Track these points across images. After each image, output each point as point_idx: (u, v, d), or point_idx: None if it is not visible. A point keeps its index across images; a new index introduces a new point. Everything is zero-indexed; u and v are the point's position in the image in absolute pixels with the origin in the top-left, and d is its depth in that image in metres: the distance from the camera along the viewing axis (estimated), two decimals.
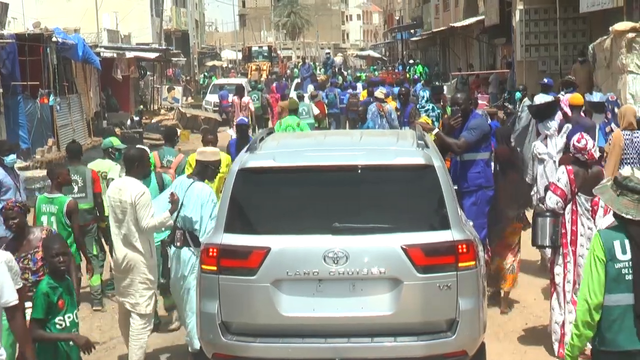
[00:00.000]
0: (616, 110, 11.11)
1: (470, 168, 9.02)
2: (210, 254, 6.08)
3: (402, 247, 5.84)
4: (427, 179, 6.08)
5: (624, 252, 4.78)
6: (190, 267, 7.46)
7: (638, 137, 9.76)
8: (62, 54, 21.42)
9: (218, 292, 6.03)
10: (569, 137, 8.74)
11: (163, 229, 7.71)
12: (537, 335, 8.06)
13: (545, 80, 14.96)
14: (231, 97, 34.89)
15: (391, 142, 6.92)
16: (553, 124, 10.56)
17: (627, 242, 4.78)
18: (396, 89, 24.60)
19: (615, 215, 4.93)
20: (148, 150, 8.89)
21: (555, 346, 7.56)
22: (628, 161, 9.68)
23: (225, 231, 6.08)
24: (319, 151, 6.56)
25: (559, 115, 10.95)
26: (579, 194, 7.39)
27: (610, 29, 13.44)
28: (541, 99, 11.18)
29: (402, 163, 6.14)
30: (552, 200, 7.44)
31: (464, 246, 5.93)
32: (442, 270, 5.89)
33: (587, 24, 20.98)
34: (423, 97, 18.71)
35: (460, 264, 5.90)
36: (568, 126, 10.43)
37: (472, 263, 5.97)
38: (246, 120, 12.49)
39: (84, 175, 9.70)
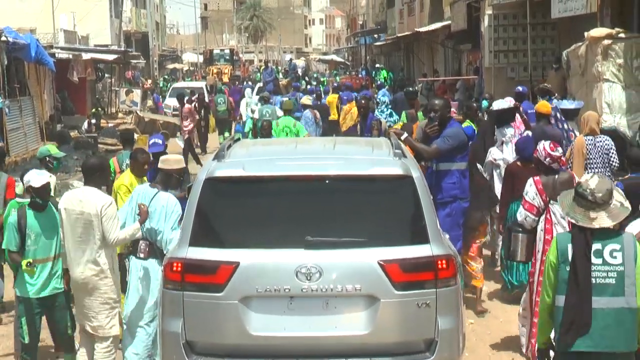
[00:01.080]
0: (559, 115, 11.45)
1: (445, 178, 8.80)
2: (174, 268, 5.79)
3: (378, 263, 5.62)
4: (405, 191, 5.87)
5: None
6: (157, 281, 7.06)
7: (601, 141, 10.00)
8: (12, 54, 20.69)
9: (182, 309, 5.75)
10: (521, 146, 9.00)
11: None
12: None
13: (520, 88, 14.84)
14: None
15: (366, 152, 6.68)
16: (509, 131, 10.76)
17: (571, 245, 5.01)
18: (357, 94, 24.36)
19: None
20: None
21: (524, 344, 7.47)
22: (592, 166, 9.90)
23: (191, 244, 5.80)
24: (291, 160, 6.30)
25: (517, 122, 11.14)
26: (552, 202, 7.28)
27: (586, 35, 13.21)
28: (500, 104, 11.30)
29: (379, 173, 5.91)
30: (521, 215, 7.39)
31: (444, 262, 5.73)
32: (421, 287, 5.69)
33: (556, 30, 20.94)
34: (384, 102, 18.82)
35: (439, 281, 5.70)
36: (528, 133, 10.64)
37: (452, 279, 5.78)
38: (161, 145, 10.06)
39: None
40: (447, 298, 5.72)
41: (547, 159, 7.50)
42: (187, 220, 5.92)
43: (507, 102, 11.27)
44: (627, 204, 5.06)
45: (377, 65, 45.06)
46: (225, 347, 5.72)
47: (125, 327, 7.37)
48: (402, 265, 5.63)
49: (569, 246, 5.01)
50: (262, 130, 14.06)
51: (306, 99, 18.13)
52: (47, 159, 9.49)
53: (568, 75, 14.72)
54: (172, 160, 7.66)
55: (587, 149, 9.93)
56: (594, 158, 9.95)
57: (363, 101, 14.49)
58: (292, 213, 5.86)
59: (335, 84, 30.50)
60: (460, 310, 5.93)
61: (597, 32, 13.27)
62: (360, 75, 43.29)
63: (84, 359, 7.31)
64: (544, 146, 7.59)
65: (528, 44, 19.97)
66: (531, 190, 7.37)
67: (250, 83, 38.15)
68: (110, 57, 33.58)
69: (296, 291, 5.61)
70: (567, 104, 11.06)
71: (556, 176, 7.47)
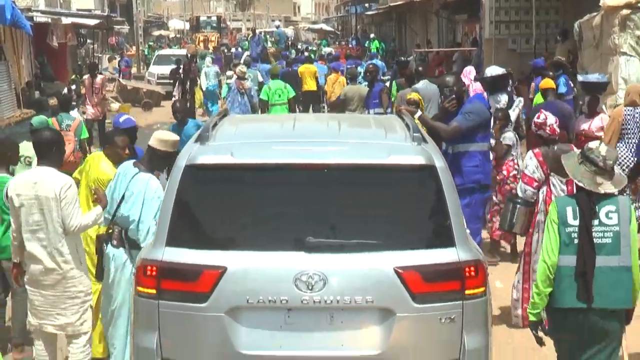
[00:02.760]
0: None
1: (464, 161, 7.89)
2: (148, 273, 4.88)
3: (394, 270, 4.74)
4: (427, 183, 4.96)
5: (574, 217, 5.19)
6: (124, 274, 6.35)
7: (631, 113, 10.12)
8: None
9: (157, 321, 4.87)
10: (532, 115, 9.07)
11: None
12: None
13: (537, 60, 14.08)
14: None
15: (379, 135, 5.69)
16: (503, 97, 10.85)
17: (579, 208, 5.21)
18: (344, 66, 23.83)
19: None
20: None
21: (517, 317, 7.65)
22: (629, 136, 9.93)
23: (168, 244, 4.89)
24: (290, 144, 5.30)
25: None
26: (552, 174, 7.39)
27: (601, 4, 12.43)
28: (493, 71, 11.29)
29: (397, 163, 4.95)
30: (521, 189, 7.46)
31: (472, 268, 4.85)
32: (445, 299, 4.83)
33: (560, 0, 20.17)
34: (361, 73, 18.99)
35: (467, 291, 4.84)
36: (520, 99, 11.09)
37: (481, 289, 4.92)
38: (134, 120, 8.64)
39: None
40: (475, 312, 4.87)
41: (534, 127, 7.58)
42: (164, 215, 4.97)
43: (500, 69, 11.40)
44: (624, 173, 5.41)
45: (372, 36, 44.03)
46: None
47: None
48: (423, 273, 4.77)
49: (568, 209, 5.21)
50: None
51: (239, 70, 19.53)
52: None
53: (580, 48, 13.99)
54: (168, 141, 6.54)
55: (625, 119, 9.89)
56: (632, 128, 9.90)
57: (371, 66, 13.96)
58: (290, 209, 4.93)
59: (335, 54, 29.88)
60: (490, 326, 5.06)
61: (615, 1, 12.47)
62: (350, 45, 42.51)
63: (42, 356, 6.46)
64: (534, 120, 7.68)
65: (532, 14, 19.18)
66: (531, 163, 7.44)
67: (240, 50, 37.29)
68: (92, 22, 32.47)
69: (295, 302, 4.73)
70: (594, 78, 10.36)
71: (555, 147, 7.47)
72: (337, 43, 51.73)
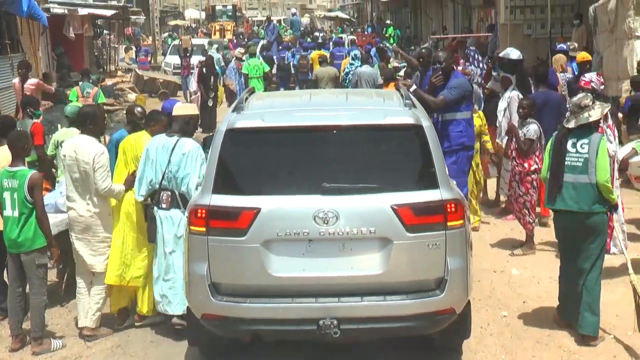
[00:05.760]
0: (476, 55, 14.98)
1: (451, 127, 9.55)
2: (199, 215, 6.35)
3: (391, 207, 6.18)
4: (416, 139, 6.44)
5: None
6: (180, 231, 7.58)
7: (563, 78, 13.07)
8: (3, 9, 20.37)
9: (207, 253, 6.32)
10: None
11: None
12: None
13: (564, 46, 14.87)
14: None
15: (378, 102, 7.33)
16: (514, 79, 11.72)
17: (555, 139, 7.62)
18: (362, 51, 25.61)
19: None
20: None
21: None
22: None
23: (214, 192, 6.37)
24: (308, 111, 6.89)
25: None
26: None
27: None
28: (519, 54, 11.94)
29: (392, 123, 6.47)
30: None
31: (453, 205, 6.30)
32: (431, 229, 6.25)
33: None
34: (356, 56, 21.31)
35: (449, 223, 6.27)
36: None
37: (460, 222, 6.35)
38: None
39: (26, 128, 10.35)
40: (455, 239, 6.30)
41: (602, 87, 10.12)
42: (210, 169, 6.48)
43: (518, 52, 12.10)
44: (592, 118, 7.44)
45: (388, 22, 45.26)
46: (248, 288, 6.32)
47: (156, 274, 7.87)
48: (414, 209, 6.20)
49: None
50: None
51: (238, 52, 24.65)
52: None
53: (595, 32, 14.37)
54: (188, 106, 8.27)
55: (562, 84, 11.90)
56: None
57: (424, 51, 14.68)
58: (309, 161, 6.42)
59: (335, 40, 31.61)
60: (468, 251, 6.49)
61: None
62: (366, 32, 43.59)
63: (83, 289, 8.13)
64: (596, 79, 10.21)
65: None
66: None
67: (256, 39, 38.58)
68: (109, 12, 33.34)
69: (314, 235, 6.18)
70: None
71: None
72: (352, 31, 52.84)
